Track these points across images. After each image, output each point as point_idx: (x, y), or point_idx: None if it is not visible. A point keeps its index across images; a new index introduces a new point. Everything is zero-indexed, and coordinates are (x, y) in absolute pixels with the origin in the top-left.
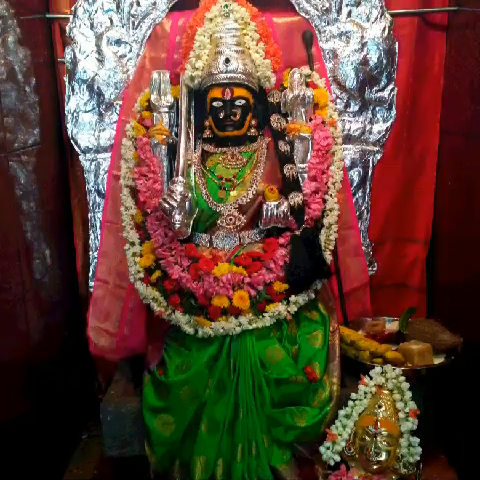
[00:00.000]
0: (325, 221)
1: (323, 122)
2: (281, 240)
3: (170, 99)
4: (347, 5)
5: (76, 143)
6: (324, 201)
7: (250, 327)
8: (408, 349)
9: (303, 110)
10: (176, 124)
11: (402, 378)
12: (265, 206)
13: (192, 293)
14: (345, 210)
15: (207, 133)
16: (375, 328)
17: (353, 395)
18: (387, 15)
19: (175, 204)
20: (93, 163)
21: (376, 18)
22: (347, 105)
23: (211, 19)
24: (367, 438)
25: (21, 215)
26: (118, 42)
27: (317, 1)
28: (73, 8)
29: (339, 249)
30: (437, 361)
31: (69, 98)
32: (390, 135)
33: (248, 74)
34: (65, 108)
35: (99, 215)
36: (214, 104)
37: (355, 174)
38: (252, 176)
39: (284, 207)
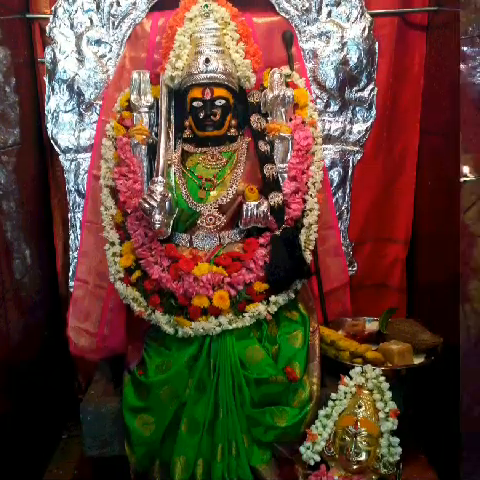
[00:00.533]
0: (305, 221)
1: (303, 122)
2: (261, 240)
3: (150, 99)
4: (327, 5)
5: (56, 143)
6: (304, 201)
7: (230, 327)
8: (388, 349)
9: (283, 110)
10: (156, 124)
11: (382, 378)
12: (245, 206)
13: (172, 293)
14: (325, 210)
15: (187, 133)
16: (355, 328)
17: (333, 395)
18: (367, 15)
19: (155, 204)
20: (73, 163)
21: (356, 18)
22: (327, 105)
23: (191, 19)
24: (347, 438)
25: (1, 215)
26: (98, 42)
27: (297, 1)
28: (53, 8)
29: (319, 249)
30: (417, 361)
31: (49, 98)
32: (370, 135)
33: (228, 74)
34: (45, 108)
35: (79, 215)
36: (194, 104)
37: (335, 174)
38: (232, 176)
39: (264, 207)
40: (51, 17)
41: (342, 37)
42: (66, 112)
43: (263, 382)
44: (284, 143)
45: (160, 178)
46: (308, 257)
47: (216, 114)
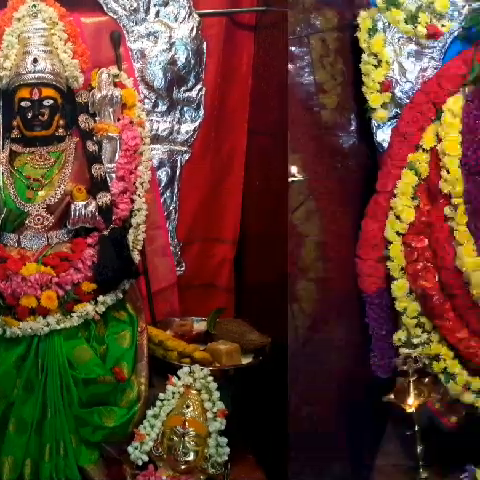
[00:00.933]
0: (133, 221)
1: (131, 122)
2: (89, 240)
3: None
4: (155, 5)
5: None
6: (132, 201)
7: (58, 327)
8: (216, 349)
9: (111, 110)
10: None
11: (210, 378)
12: (73, 206)
13: (0, 293)
14: (153, 210)
15: (15, 133)
16: (183, 328)
17: (161, 395)
18: (195, 15)
19: None
20: None
21: (184, 18)
22: (155, 105)
23: (19, 19)
24: (175, 438)
25: None
26: None
27: (125, 1)
28: None
29: (147, 249)
30: (245, 361)
31: None
32: (198, 135)
33: (56, 74)
34: None
35: None
36: (22, 104)
37: (163, 174)
38: (60, 176)
39: (92, 207)
40: None
41: (170, 37)
42: None
43: (91, 382)
44: (112, 143)
45: None
46: (136, 257)
47: (44, 114)
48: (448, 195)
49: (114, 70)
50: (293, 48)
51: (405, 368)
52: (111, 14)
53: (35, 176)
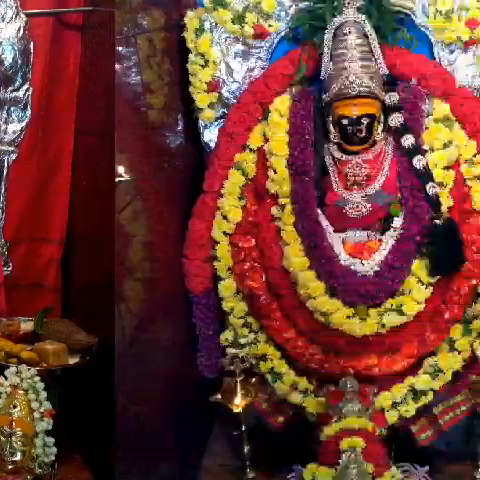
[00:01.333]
0: None
1: None
2: None
3: None
4: None
5: None
6: None
7: None
8: (43, 349)
9: None
10: None
11: (37, 378)
12: None
13: None
14: None
15: None
16: (10, 328)
17: None
18: (22, 15)
19: None
20: None
21: (11, 18)
22: None
23: None
24: (2, 438)
25: None
26: None
27: None
28: None
29: None
30: (72, 361)
31: None
32: (25, 135)
33: None
34: None
35: None
36: None
37: None
38: None
39: None
40: None
41: None
42: None
43: None
44: None
45: None
46: None
47: None
48: (275, 195)
49: None
50: (120, 48)
51: (232, 368)
52: None
53: None
